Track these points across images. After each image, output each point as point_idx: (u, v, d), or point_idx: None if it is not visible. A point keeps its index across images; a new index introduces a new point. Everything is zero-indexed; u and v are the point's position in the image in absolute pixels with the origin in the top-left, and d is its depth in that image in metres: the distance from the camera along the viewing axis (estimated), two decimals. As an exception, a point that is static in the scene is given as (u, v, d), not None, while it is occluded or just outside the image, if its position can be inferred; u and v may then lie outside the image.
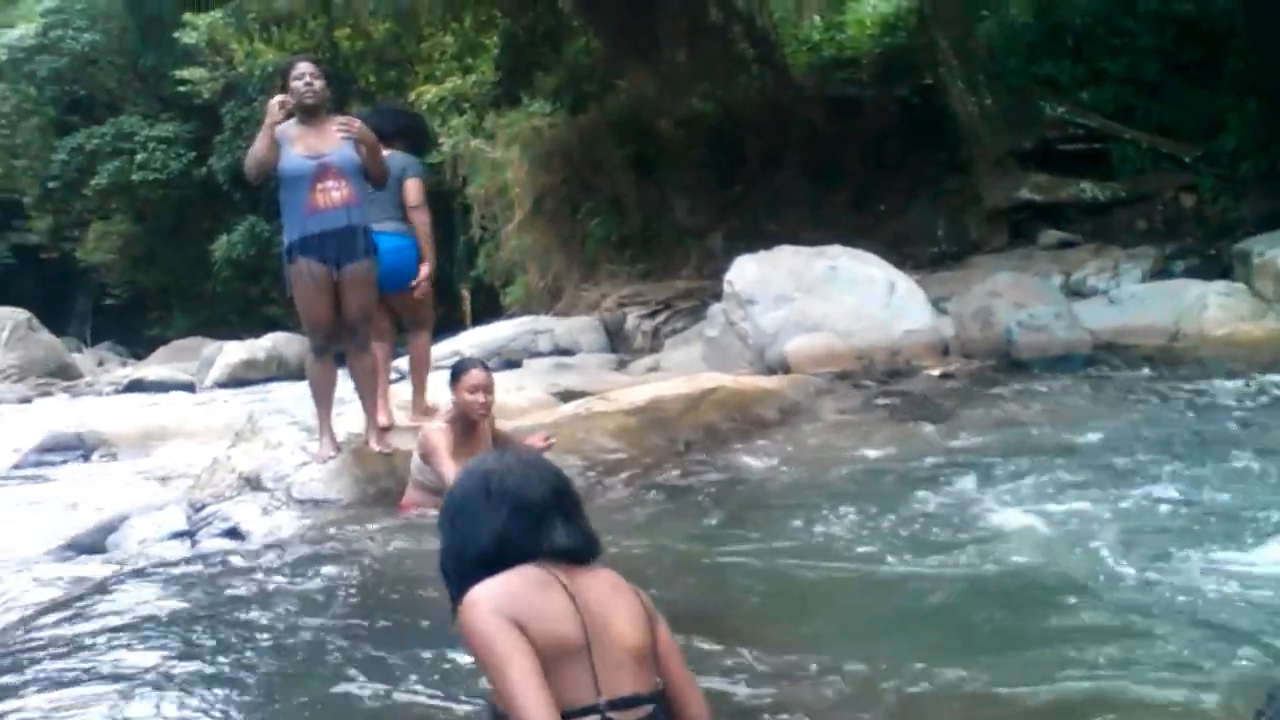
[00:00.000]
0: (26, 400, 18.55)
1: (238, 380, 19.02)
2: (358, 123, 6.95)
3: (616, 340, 15.69)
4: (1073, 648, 4.00)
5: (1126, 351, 9.60)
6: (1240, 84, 13.55)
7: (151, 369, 22.26)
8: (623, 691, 2.52)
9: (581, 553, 2.65)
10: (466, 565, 2.66)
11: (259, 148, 6.89)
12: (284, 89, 7.10)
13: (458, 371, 6.48)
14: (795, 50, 18.82)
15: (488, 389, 6.38)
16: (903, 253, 13.60)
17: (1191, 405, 7.88)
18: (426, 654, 4.19)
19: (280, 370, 19.21)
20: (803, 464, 7.15)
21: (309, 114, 6.92)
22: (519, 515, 2.64)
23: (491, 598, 2.50)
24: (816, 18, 19.79)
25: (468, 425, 6.39)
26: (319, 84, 6.95)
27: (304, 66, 7.01)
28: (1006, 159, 14.43)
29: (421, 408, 7.60)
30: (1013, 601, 4.58)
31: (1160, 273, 12.02)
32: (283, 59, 16.81)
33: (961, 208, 15.13)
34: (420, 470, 6.46)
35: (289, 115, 6.89)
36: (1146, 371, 8.95)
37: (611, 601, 2.60)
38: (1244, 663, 3.79)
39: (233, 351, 20.31)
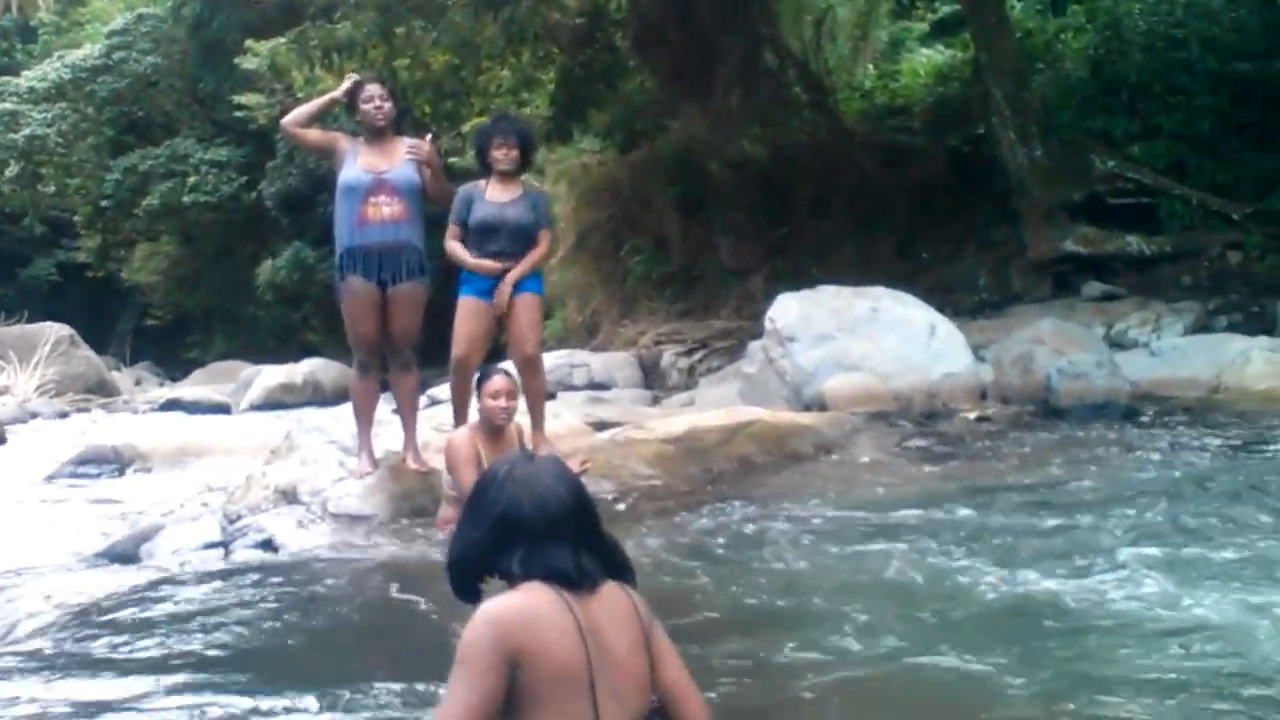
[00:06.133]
0: (63, 415, 18.66)
1: (274, 403, 19.08)
2: (427, 145, 7.06)
3: (652, 377, 15.71)
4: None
5: (1166, 402, 9.53)
6: (1297, 144, 13.51)
7: (188, 389, 22.43)
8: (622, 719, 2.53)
9: (595, 580, 2.62)
10: (474, 560, 2.70)
11: (310, 106, 7.36)
12: (351, 109, 7.22)
13: (481, 379, 6.50)
14: (848, 97, 18.88)
15: (510, 394, 6.37)
16: (945, 299, 13.55)
17: (1227, 456, 7.81)
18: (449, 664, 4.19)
19: (316, 395, 19.23)
20: (834, 499, 7.11)
21: (376, 134, 7.06)
22: (527, 528, 2.63)
23: (504, 623, 2.49)
24: (870, 65, 19.90)
25: (493, 431, 6.39)
26: (387, 105, 7.10)
27: (373, 89, 7.14)
28: (1055, 211, 14.39)
29: None
30: (1030, 634, 4.59)
31: (1203, 328, 11.92)
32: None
33: (1006, 258, 15.07)
34: (452, 485, 6.45)
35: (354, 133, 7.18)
36: (1185, 422, 8.88)
37: (614, 627, 2.59)
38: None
39: (270, 375, 20.39)
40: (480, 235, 7.20)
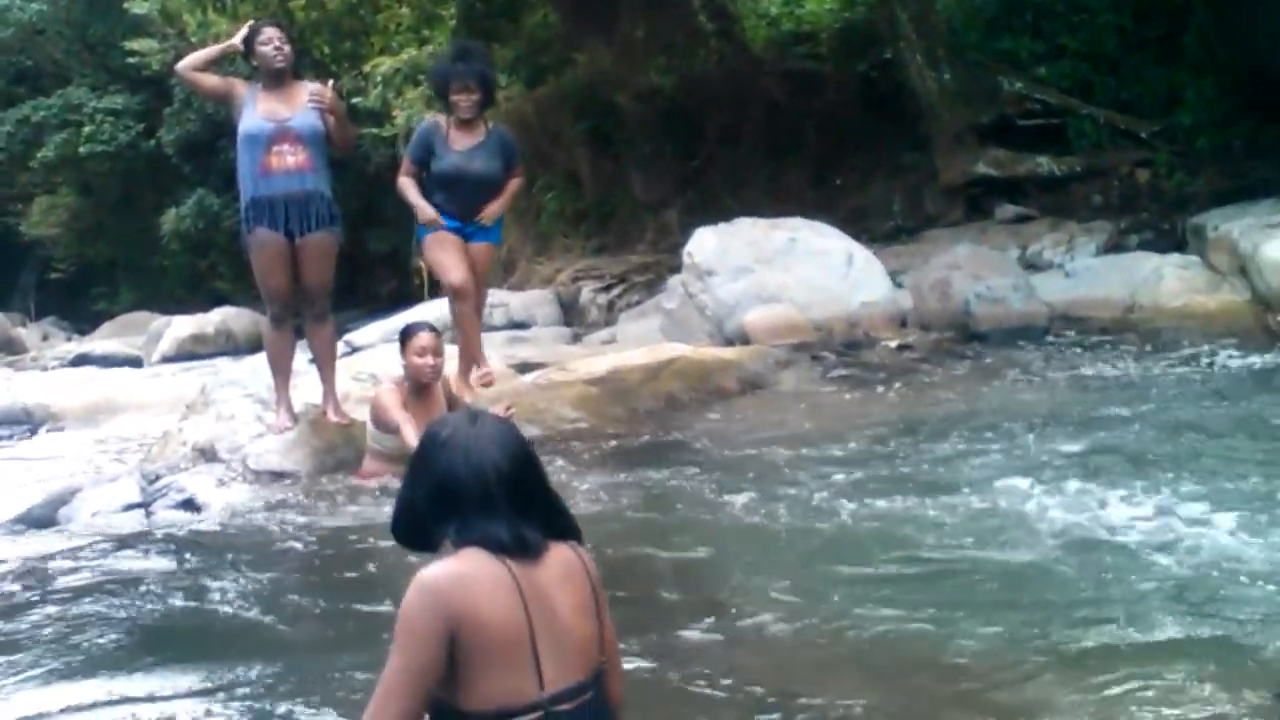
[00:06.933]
0: (-32, 376, 18.22)
1: (186, 354, 18.71)
2: (330, 93, 6.91)
3: (571, 314, 15.59)
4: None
5: (1083, 323, 9.62)
6: (1198, 61, 13.53)
7: (98, 343, 21.94)
8: (567, 682, 2.46)
9: (536, 549, 2.54)
10: (414, 521, 2.63)
11: (206, 52, 7.28)
12: (247, 54, 7.04)
13: (406, 335, 6.42)
14: (754, 25, 18.68)
15: (436, 351, 6.32)
16: (859, 227, 13.52)
17: (1146, 375, 7.95)
18: (379, 625, 4.13)
19: (229, 344, 18.93)
20: (763, 432, 7.13)
21: (275, 79, 6.88)
22: (464, 497, 2.54)
23: (440, 590, 2.42)
24: (776, -9, 19.76)
25: (419, 388, 6.32)
26: (287, 48, 6.93)
27: (271, 32, 6.98)
28: (965, 134, 14.37)
29: None
30: (952, 557, 4.74)
31: (1115, 247, 11.95)
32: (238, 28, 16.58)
33: (919, 183, 15.04)
34: (376, 438, 6.38)
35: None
36: (1102, 343, 8.99)
37: (561, 590, 2.52)
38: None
39: (181, 326, 19.98)
40: (443, 186, 7.18)
